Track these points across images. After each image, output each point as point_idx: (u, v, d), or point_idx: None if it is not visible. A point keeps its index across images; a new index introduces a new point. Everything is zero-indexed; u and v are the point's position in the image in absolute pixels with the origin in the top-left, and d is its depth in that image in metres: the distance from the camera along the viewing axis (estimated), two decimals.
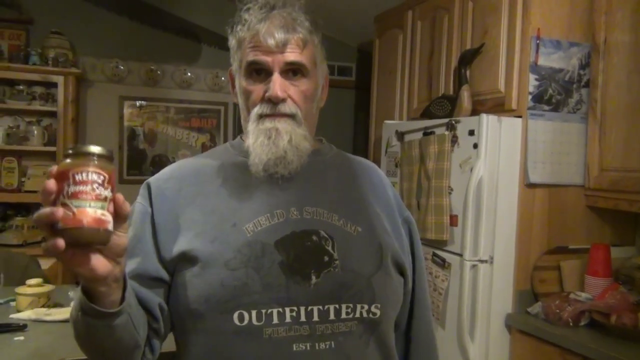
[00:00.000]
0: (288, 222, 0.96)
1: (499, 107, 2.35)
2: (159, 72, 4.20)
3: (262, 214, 0.96)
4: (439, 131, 2.43)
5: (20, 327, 1.76)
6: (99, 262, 0.74)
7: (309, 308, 0.91)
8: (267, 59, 0.95)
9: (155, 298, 0.94)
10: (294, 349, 0.90)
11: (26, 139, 3.69)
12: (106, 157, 0.72)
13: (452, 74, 2.70)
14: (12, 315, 1.87)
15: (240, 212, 0.96)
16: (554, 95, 2.27)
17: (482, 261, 2.22)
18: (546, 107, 2.26)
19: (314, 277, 0.92)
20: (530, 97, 2.24)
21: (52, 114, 3.71)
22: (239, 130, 4.27)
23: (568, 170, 2.31)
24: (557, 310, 2.06)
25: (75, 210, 0.68)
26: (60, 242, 0.67)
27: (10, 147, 3.64)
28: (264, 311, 0.89)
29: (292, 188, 1.00)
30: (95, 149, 0.71)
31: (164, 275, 0.95)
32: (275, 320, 0.90)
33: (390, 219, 1.07)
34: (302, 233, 0.95)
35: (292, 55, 0.96)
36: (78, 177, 0.68)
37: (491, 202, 2.22)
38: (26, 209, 3.72)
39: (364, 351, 0.95)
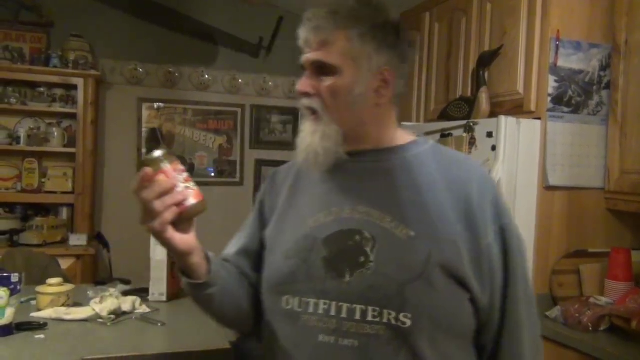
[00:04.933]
0: (339, 220, 1.02)
1: (518, 109, 2.33)
2: (176, 74, 4.24)
3: (322, 211, 1.04)
4: (456, 133, 2.41)
5: (40, 326, 1.77)
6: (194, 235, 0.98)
7: (340, 304, 0.96)
8: (302, 58, 1.04)
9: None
10: (320, 339, 0.95)
11: (47, 140, 3.75)
12: None
13: (470, 75, 2.68)
14: (32, 314, 1.89)
15: (308, 206, 1.07)
16: (573, 97, 2.24)
17: None
18: (566, 109, 2.24)
19: (347, 276, 0.96)
20: (549, 98, 2.21)
21: (72, 116, 3.76)
22: (255, 132, 4.26)
23: (588, 172, 2.28)
24: (577, 315, 2.04)
25: (195, 188, 0.96)
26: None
27: (31, 149, 3.69)
28: (304, 299, 0.98)
29: (353, 186, 1.05)
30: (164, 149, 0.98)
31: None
32: (311, 309, 0.97)
33: (471, 232, 0.98)
34: (348, 232, 1.00)
35: (313, 54, 1.02)
36: (180, 168, 0.96)
37: (509, 205, 2.19)
38: (46, 209, 3.77)
39: (393, 359, 0.93)
